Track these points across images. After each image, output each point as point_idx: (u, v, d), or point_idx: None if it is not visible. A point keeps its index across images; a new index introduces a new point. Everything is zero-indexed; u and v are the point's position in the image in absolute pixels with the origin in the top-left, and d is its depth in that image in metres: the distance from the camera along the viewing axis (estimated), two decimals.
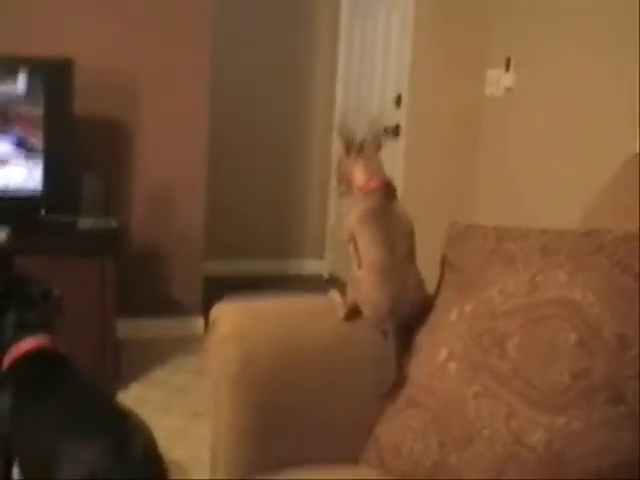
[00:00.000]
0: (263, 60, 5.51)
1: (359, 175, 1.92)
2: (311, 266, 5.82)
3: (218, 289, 3.84)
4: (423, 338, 1.80)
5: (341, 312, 1.87)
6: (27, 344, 2.13)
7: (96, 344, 3.36)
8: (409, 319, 1.82)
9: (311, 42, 5.63)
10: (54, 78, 3.57)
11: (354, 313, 1.85)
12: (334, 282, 5.35)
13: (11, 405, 2.01)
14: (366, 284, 1.80)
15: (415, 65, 4.52)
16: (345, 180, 1.97)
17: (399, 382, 1.78)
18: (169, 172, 4.27)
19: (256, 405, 1.78)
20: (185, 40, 4.21)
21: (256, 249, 5.66)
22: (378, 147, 1.96)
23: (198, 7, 4.19)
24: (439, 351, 1.71)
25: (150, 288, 4.31)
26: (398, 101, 4.64)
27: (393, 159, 4.24)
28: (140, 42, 4.14)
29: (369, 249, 1.82)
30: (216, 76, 4.40)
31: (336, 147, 5.64)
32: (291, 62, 5.62)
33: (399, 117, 4.57)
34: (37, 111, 3.58)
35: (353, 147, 1.94)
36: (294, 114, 5.68)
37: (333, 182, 5.66)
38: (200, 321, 4.37)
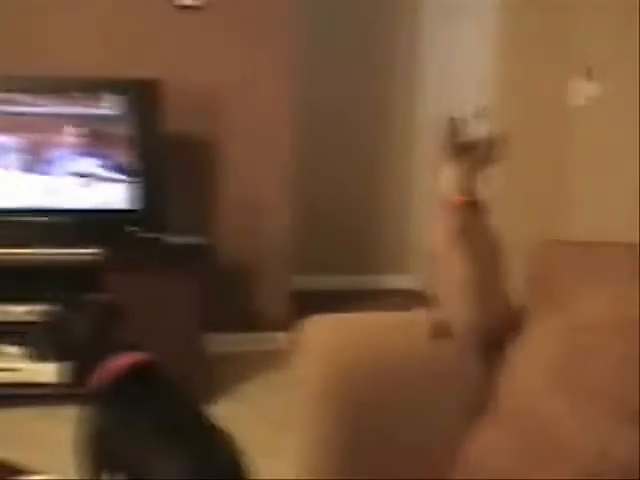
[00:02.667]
0: (344, 73, 5.52)
1: (447, 183, 1.85)
2: (396, 281, 5.79)
3: (304, 304, 3.86)
4: (510, 355, 1.78)
5: (427, 329, 1.86)
6: (118, 361, 2.17)
7: (185, 359, 3.41)
8: (496, 336, 1.80)
9: (392, 55, 5.62)
10: (144, 99, 3.66)
11: (440, 330, 1.84)
12: (420, 296, 5.32)
13: (108, 419, 2.06)
14: (453, 301, 1.79)
15: (498, 76, 4.47)
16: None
17: (486, 399, 1.76)
18: (256, 187, 4.31)
19: (343, 420, 1.78)
20: (269, 55, 4.25)
21: (341, 264, 5.66)
22: (488, 162, 1.87)
23: (281, 23, 4.24)
24: (527, 367, 1.69)
25: (237, 303, 4.36)
26: (480, 112, 4.60)
27: None
28: (224, 60, 4.20)
29: (455, 266, 1.80)
30: (299, 90, 4.43)
31: (418, 160, 5.62)
32: (372, 75, 5.62)
33: (481, 129, 4.53)
34: (127, 131, 3.67)
35: (452, 145, 1.85)
36: (376, 129, 5.67)
37: (416, 189, 5.64)
38: (286, 336, 4.40)
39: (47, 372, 3.53)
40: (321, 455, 1.83)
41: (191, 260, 3.66)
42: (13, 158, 3.63)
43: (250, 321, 4.39)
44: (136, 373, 2.17)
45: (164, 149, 3.75)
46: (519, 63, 4.41)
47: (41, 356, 2.45)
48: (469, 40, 4.85)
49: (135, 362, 2.19)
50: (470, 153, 1.86)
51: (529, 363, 1.70)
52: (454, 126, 1.86)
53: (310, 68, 5.08)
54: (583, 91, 4.16)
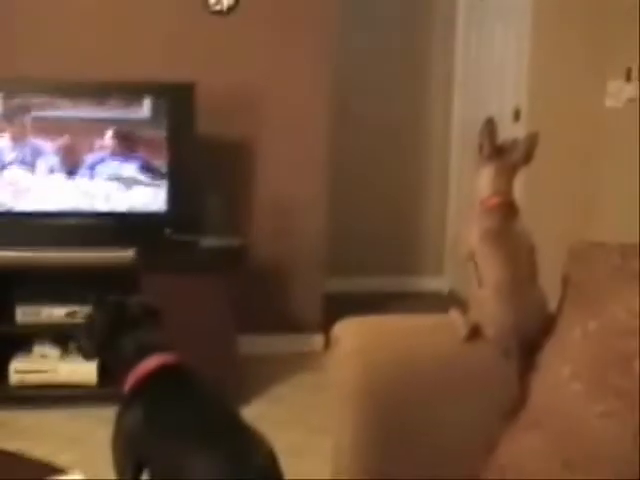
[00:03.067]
0: (381, 73, 5.52)
1: (483, 185, 1.88)
2: (430, 283, 5.78)
3: (337, 306, 3.86)
4: (545, 357, 1.77)
5: (462, 331, 1.85)
6: (151, 363, 2.19)
7: (218, 360, 3.43)
8: (531, 338, 1.79)
9: (427, 56, 5.62)
10: (177, 102, 3.68)
11: (475, 333, 1.83)
12: (454, 299, 5.30)
13: (142, 420, 2.08)
14: (488, 303, 1.78)
15: (533, 78, 4.45)
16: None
17: (520, 401, 1.75)
18: (290, 189, 4.33)
19: (378, 421, 1.79)
20: (305, 57, 4.27)
21: (375, 266, 5.66)
22: (523, 162, 1.90)
23: (316, 25, 4.24)
24: (562, 370, 1.68)
25: (271, 305, 4.37)
26: (516, 115, 4.58)
27: None
28: (260, 61, 4.22)
29: (491, 268, 1.80)
30: (333, 91, 4.43)
31: (454, 162, 5.60)
32: (408, 76, 5.61)
33: (517, 131, 4.51)
34: (161, 134, 3.69)
35: (488, 148, 1.88)
36: (412, 128, 5.66)
37: (452, 191, 5.63)
38: (320, 338, 4.40)
39: (83, 373, 3.57)
40: (355, 456, 1.84)
41: (225, 262, 3.68)
42: (51, 161, 3.67)
43: (284, 323, 4.40)
44: (170, 374, 2.19)
45: (199, 151, 3.77)
46: (556, 64, 4.38)
47: (84, 355, 2.49)
48: (505, 42, 4.83)
49: (166, 364, 2.20)
50: (506, 155, 1.88)
51: (564, 367, 1.69)
52: (491, 128, 1.88)
53: (344, 69, 5.08)
54: (622, 92, 4.12)
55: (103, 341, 2.31)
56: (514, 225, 1.85)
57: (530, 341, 1.79)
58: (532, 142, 1.90)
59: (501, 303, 1.77)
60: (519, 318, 1.76)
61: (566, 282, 1.86)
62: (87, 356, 2.52)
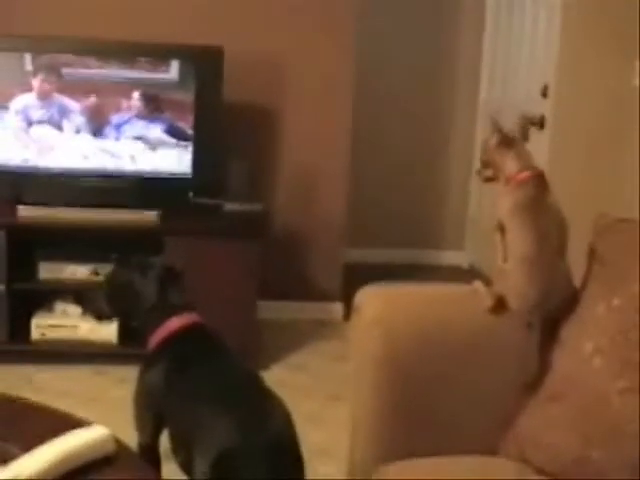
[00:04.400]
0: (407, 49, 5.47)
1: (511, 164, 1.90)
2: (450, 257, 5.76)
3: (357, 276, 3.86)
4: (568, 331, 1.77)
5: (487, 302, 1.85)
6: (175, 323, 2.21)
7: (239, 324, 3.45)
8: (556, 312, 1.79)
9: (456, 32, 5.56)
10: (205, 66, 3.67)
11: (500, 305, 1.83)
12: (473, 274, 5.29)
13: (164, 378, 2.11)
14: (514, 276, 1.79)
15: (562, 55, 4.40)
16: (493, 167, 1.95)
17: (541, 375, 1.76)
18: (312, 158, 4.32)
19: (397, 390, 1.79)
20: (330, 26, 4.23)
21: (396, 238, 5.65)
22: (524, 140, 1.95)
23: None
24: (585, 345, 1.69)
25: (290, 272, 4.38)
26: (544, 92, 4.54)
27: (537, 151, 4.14)
28: (285, 29, 4.19)
29: (520, 241, 1.80)
30: (360, 64, 4.41)
31: (479, 136, 5.57)
32: (435, 51, 5.56)
33: (545, 108, 4.47)
34: (188, 97, 3.69)
35: (505, 138, 1.93)
36: (437, 102, 5.63)
37: (476, 166, 5.61)
38: (339, 306, 4.41)
39: (104, 331, 3.60)
40: (372, 425, 1.85)
41: (247, 228, 3.69)
42: (77, 120, 3.68)
43: (303, 290, 4.41)
44: (190, 334, 2.20)
45: (222, 116, 3.77)
46: (585, 42, 4.33)
47: (99, 315, 2.50)
48: (535, 19, 4.78)
49: (190, 324, 2.22)
50: (517, 139, 1.95)
51: (587, 342, 1.69)
52: (496, 123, 1.95)
53: (372, 40, 5.06)
54: None
55: (127, 300, 2.32)
56: (546, 197, 1.85)
57: (554, 315, 1.79)
58: (524, 124, 2.01)
59: (527, 276, 1.77)
60: (544, 292, 1.76)
61: (591, 257, 1.85)
62: (103, 316, 2.52)
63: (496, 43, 5.39)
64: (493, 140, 1.95)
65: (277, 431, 1.95)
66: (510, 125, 1.99)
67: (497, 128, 1.95)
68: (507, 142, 1.93)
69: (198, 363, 2.11)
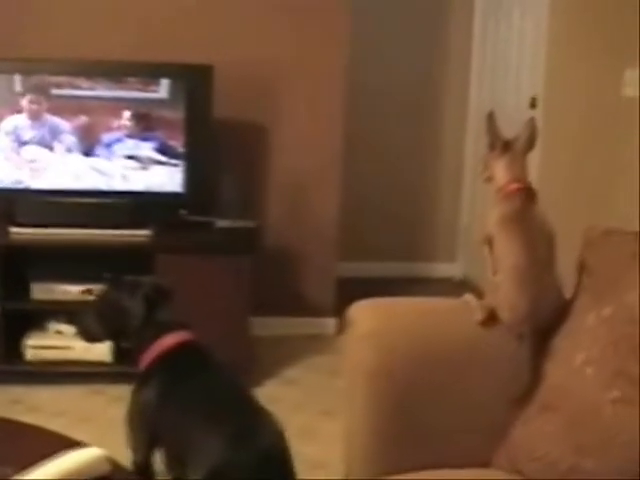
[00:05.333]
0: (397, 57, 5.50)
1: (500, 175, 1.91)
2: (443, 269, 5.78)
3: (350, 290, 3.87)
4: (559, 342, 1.78)
5: (478, 315, 1.86)
6: (167, 341, 2.22)
7: (232, 340, 3.44)
8: (546, 323, 1.80)
9: (445, 41, 5.59)
10: (195, 84, 3.69)
11: (491, 318, 1.84)
12: (465, 285, 5.30)
13: (157, 396, 2.11)
14: (504, 288, 1.79)
15: (550, 66, 4.43)
16: (488, 173, 1.95)
17: (533, 385, 1.77)
18: (304, 172, 4.33)
19: (391, 403, 1.80)
20: (321, 39, 4.24)
21: (387, 251, 5.66)
22: (529, 148, 1.94)
23: (335, 5, 4.22)
24: (576, 355, 1.70)
25: (284, 287, 4.39)
26: (533, 103, 4.57)
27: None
28: (275, 43, 4.21)
29: (508, 253, 1.81)
30: (349, 74, 4.42)
31: (469, 146, 5.60)
32: (425, 60, 5.59)
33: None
34: (178, 115, 3.71)
35: (498, 144, 1.93)
36: (427, 113, 5.65)
37: (466, 178, 5.62)
38: (332, 321, 4.42)
39: (98, 351, 3.60)
40: (367, 439, 1.85)
41: (240, 244, 3.69)
42: (69, 140, 3.69)
43: (296, 305, 4.41)
44: (183, 352, 2.21)
45: (215, 133, 3.78)
46: (573, 52, 4.36)
47: (90, 335, 2.49)
48: (522, 29, 4.82)
49: (182, 341, 2.23)
50: (515, 144, 1.93)
51: (578, 352, 1.70)
52: (492, 122, 1.92)
53: (362, 54, 5.07)
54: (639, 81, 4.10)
55: (118, 319, 2.33)
56: (533, 210, 1.86)
57: (545, 326, 1.81)
58: (532, 128, 1.95)
59: (517, 288, 1.78)
60: (534, 303, 1.77)
61: (581, 269, 1.87)
62: (90, 338, 2.50)
63: (484, 55, 5.43)
64: (491, 139, 1.95)
65: (269, 446, 1.97)
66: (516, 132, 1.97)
67: (490, 131, 1.94)
68: (501, 146, 1.92)
69: (190, 380, 2.11)
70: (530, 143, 1.94)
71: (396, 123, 5.57)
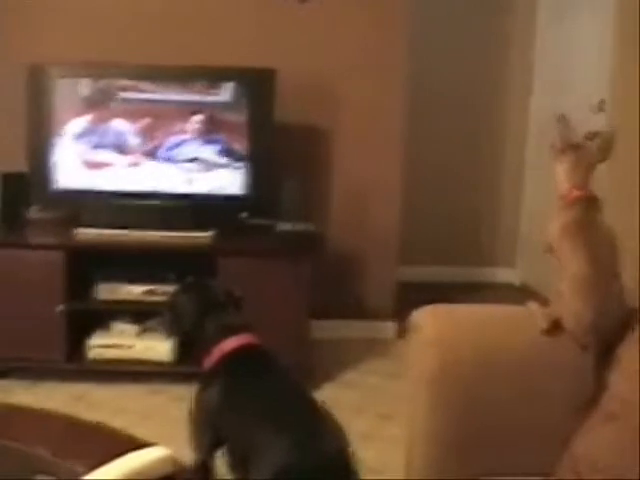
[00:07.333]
0: (459, 62, 5.49)
1: (561, 180, 1.89)
2: (502, 274, 5.74)
3: (409, 295, 3.87)
4: (624, 351, 1.76)
5: (542, 324, 1.84)
6: (231, 343, 2.26)
7: (292, 343, 3.47)
8: (611, 333, 1.78)
9: (508, 47, 5.56)
10: (258, 87, 3.73)
11: (555, 327, 1.82)
12: (525, 291, 5.26)
13: (222, 396, 2.15)
14: (568, 297, 1.78)
15: (618, 68, 4.37)
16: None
17: (597, 395, 1.75)
18: (365, 176, 4.34)
19: (453, 410, 1.80)
20: (382, 45, 4.26)
21: (447, 256, 5.65)
22: (601, 159, 1.90)
23: (396, 12, 4.23)
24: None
25: (344, 291, 4.40)
26: (600, 106, 4.50)
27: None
28: (336, 49, 4.24)
29: (572, 262, 1.79)
30: (411, 79, 4.42)
31: (530, 151, 5.54)
32: (487, 67, 5.57)
33: (601, 123, 4.44)
34: (241, 118, 3.74)
35: (564, 142, 1.89)
36: (489, 118, 5.63)
37: (527, 183, 5.57)
38: (391, 325, 4.42)
39: (160, 350, 3.65)
40: (427, 445, 1.85)
41: (301, 247, 3.71)
42: (133, 143, 3.75)
43: (356, 309, 4.43)
44: (250, 354, 2.25)
45: (275, 137, 3.81)
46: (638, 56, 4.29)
47: (169, 331, 2.60)
48: (587, 32, 4.76)
49: (246, 344, 2.27)
50: (581, 149, 1.89)
51: None
52: (564, 124, 1.89)
53: (423, 58, 5.07)
54: None
55: (186, 321, 2.38)
56: (596, 219, 1.84)
57: (609, 336, 1.78)
58: (608, 140, 1.91)
59: (581, 297, 1.76)
60: (599, 313, 1.75)
61: None
62: (171, 333, 2.61)
63: (548, 58, 5.37)
64: (559, 142, 1.91)
65: (333, 448, 1.98)
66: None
67: (560, 128, 1.90)
68: (568, 147, 1.89)
69: (254, 382, 2.14)
70: (604, 154, 1.90)
71: (457, 128, 5.57)
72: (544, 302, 1.89)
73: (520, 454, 1.82)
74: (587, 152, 1.90)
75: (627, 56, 4.33)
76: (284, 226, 3.81)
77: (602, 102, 4.48)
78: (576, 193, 1.86)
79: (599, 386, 1.76)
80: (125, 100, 3.74)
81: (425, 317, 1.91)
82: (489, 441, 1.81)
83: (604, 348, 1.78)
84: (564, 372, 1.83)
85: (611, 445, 1.65)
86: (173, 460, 1.60)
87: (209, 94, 3.75)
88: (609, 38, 4.41)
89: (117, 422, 2.17)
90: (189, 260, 3.48)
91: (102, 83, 3.72)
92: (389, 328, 4.42)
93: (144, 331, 3.72)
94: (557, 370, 1.84)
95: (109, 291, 3.71)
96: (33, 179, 3.79)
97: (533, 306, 1.90)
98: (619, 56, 4.36)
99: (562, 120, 1.91)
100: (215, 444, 2.17)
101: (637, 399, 1.64)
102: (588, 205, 1.85)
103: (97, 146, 3.75)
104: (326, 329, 4.22)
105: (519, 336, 1.87)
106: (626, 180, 4.28)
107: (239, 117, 3.74)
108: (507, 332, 1.88)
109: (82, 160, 3.75)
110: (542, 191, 5.02)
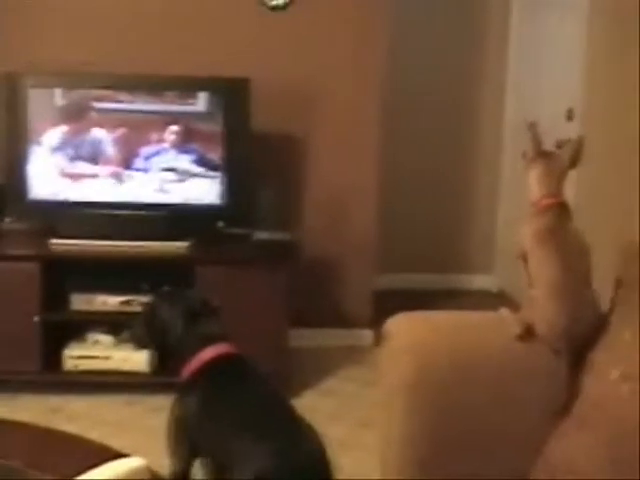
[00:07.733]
0: (432, 68, 5.50)
1: (533, 187, 1.90)
2: (479, 281, 5.76)
3: (386, 302, 3.88)
4: (595, 357, 1.78)
5: (515, 330, 1.86)
6: (210, 352, 2.26)
7: (270, 352, 3.47)
8: (583, 338, 1.80)
9: (481, 53, 5.59)
10: (232, 96, 3.73)
11: (529, 332, 1.84)
12: (502, 298, 5.29)
13: (200, 405, 2.15)
14: (541, 303, 1.79)
15: (588, 77, 4.40)
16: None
17: (570, 399, 1.76)
18: (342, 184, 4.35)
19: (427, 416, 1.81)
20: (357, 52, 4.27)
21: (424, 263, 5.65)
22: (571, 166, 1.91)
23: (368, 21, 4.24)
24: (612, 371, 1.69)
25: (321, 299, 4.41)
26: (569, 115, 4.54)
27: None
28: (311, 57, 4.25)
29: (544, 268, 1.81)
30: (385, 88, 4.43)
31: (505, 158, 5.58)
32: (460, 74, 5.59)
33: (570, 132, 4.47)
34: (217, 128, 3.75)
35: (535, 150, 1.91)
36: (462, 124, 5.64)
37: (502, 189, 5.61)
38: (369, 333, 4.43)
39: (136, 361, 3.64)
40: (402, 451, 1.86)
41: (277, 256, 3.72)
42: (108, 153, 3.75)
43: (333, 317, 4.43)
44: (225, 364, 2.24)
45: (253, 145, 3.82)
46: (611, 63, 4.33)
47: (138, 342, 2.57)
48: (559, 40, 4.79)
49: (223, 353, 2.27)
50: (552, 157, 1.91)
51: (614, 368, 1.69)
52: (534, 132, 1.91)
53: (397, 65, 5.08)
54: None
55: (162, 331, 2.38)
56: (567, 225, 1.86)
57: (581, 341, 1.80)
58: (578, 147, 1.92)
59: (553, 303, 1.77)
60: (571, 318, 1.77)
61: (618, 283, 1.86)
62: (141, 344, 2.60)
63: (520, 65, 5.40)
64: (531, 150, 1.92)
65: (312, 456, 1.99)
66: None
67: (531, 134, 1.92)
68: (537, 154, 1.91)
69: (232, 391, 2.14)
70: (573, 161, 1.91)
71: (432, 135, 5.58)
72: (516, 308, 1.91)
73: (495, 459, 1.83)
74: (558, 160, 1.92)
75: (597, 64, 4.37)
76: (261, 235, 3.82)
77: (570, 111, 4.51)
78: (548, 200, 1.88)
79: (572, 390, 1.77)
80: (100, 110, 3.73)
81: (398, 325, 1.92)
82: (464, 446, 1.82)
83: (577, 353, 1.80)
84: (538, 377, 1.84)
85: (584, 449, 1.66)
86: (149, 470, 1.60)
87: (184, 104, 3.76)
88: (580, 45, 4.44)
89: (94, 433, 2.18)
90: (166, 270, 3.48)
91: (77, 93, 3.72)
92: (367, 336, 4.43)
93: (120, 342, 3.70)
94: (531, 375, 1.85)
95: (85, 302, 3.70)
96: (8, 190, 3.77)
97: (505, 312, 1.92)
98: (590, 64, 4.40)
99: (532, 128, 1.93)
100: (193, 454, 2.17)
101: (609, 405, 1.66)
102: (560, 212, 1.87)
103: (73, 157, 3.74)
104: (304, 337, 4.23)
105: (493, 342, 1.88)
106: (593, 187, 4.32)
107: (214, 127, 3.75)
108: (480, 338, 1.89)
109: (58, 171, 3.74)
110: (518, 198, 5.05)
